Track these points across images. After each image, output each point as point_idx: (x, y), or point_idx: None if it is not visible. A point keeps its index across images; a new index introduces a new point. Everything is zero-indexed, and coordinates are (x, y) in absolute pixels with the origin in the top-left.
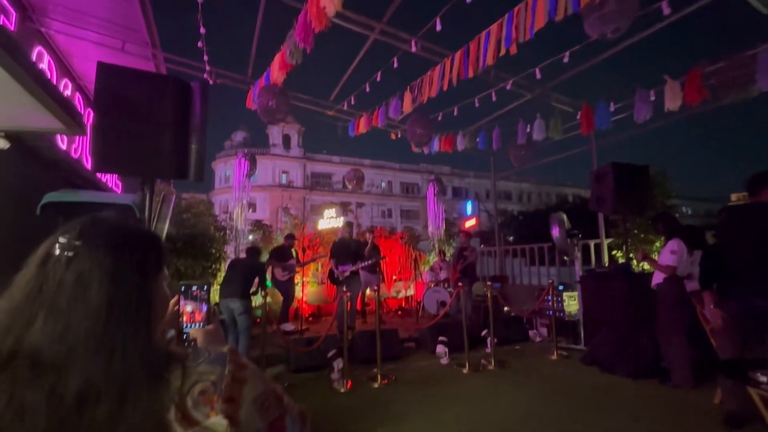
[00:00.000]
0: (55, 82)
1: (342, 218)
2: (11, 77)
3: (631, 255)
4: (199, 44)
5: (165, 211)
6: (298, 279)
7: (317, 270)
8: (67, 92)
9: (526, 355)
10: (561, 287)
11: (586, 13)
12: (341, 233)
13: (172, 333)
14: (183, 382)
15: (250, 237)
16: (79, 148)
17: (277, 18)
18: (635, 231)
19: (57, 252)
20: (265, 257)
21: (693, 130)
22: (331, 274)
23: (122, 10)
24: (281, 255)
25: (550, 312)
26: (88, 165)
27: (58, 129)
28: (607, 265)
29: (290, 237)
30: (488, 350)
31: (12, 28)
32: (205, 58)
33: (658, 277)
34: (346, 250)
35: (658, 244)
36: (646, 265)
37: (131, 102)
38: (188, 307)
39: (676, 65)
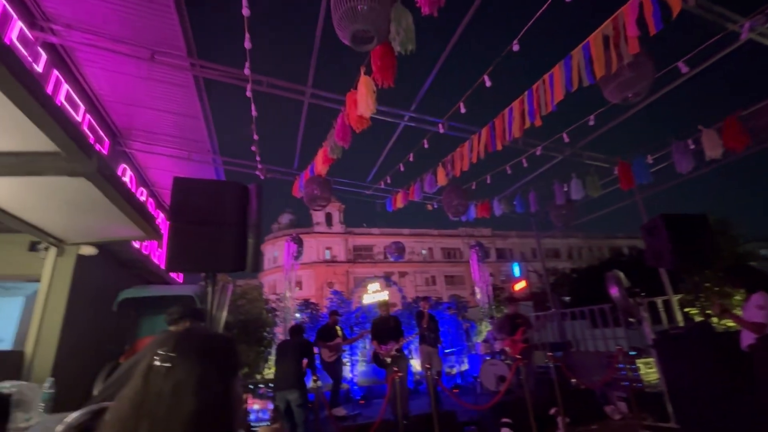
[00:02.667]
0: (134, 191)
1: (386, 291)
2: (109, 200)
3: (708, 311)
4: (253, 148)
5: (223, 300)
6: (346, 359)
7: (365, 348)
8: (143, 198)
9: None
10: (633, 352)
11: (604, 83)
12: (380, 311)
13: None
14: None
15: (297, 315)
16: (148, 246)
17: (317, 118)
18: (707, 284)
19: (157, 363)
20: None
21: (755, 167)
22: (375, 357)
23: (190, 127)
24: (327, 334)
25: (626, 383)
26: (156, 260)
27: (139, 236)
28: (682, 324)
29: (334, 314)
30: None
31: (105, 152)
32: (258, 158)
33: (748, 337)
34: (386, 328)
35: (738, 297)
36: (730, 322)
37: (200, 207)
38: (255, 406)
39: (710, 111)
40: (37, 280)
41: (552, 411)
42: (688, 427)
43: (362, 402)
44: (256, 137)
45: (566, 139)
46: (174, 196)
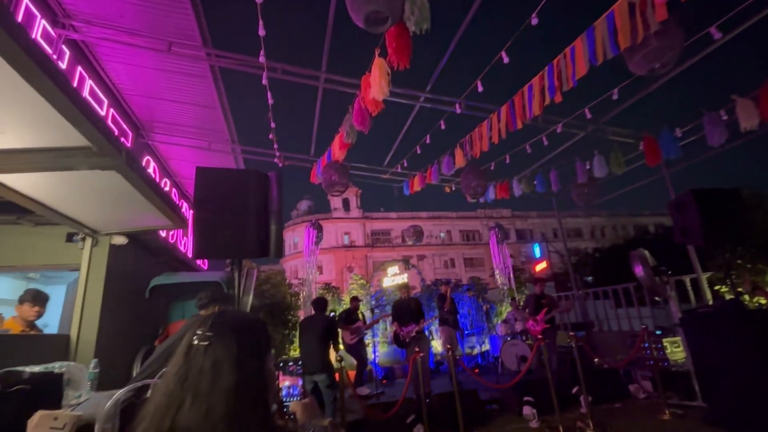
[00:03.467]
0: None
1: (405, 274)
2: (138, 192)
3: (739, 289)
4: (270, 136)
5: (249, 285)
6: (368, 340)
7: (386, 329)
8: (166, 189)
9: (631, 414)
10: (658, 332)
11: (629, 55)
12: (400, 294)
13: (274, 407)
14: None
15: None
16: (174, 234)
17: (332, 103)
18: (739, 261)
19: (196, 342)
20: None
21: None
22: (396, 338)
23: (208, 117)
24: (349, 318)
25: (651, 362)
26: (182, 248)
27: (166, 225)
28: (711, 302)
29: (355, 299)
30: (583, 410)
31: (129, 144)
32: (275, 146)
33: None
34: (407, 310)
35: None
36: (762, 299)
37: (223, 196)
38: (286, 382)
39: (744, 80)
40: (76, 269)
41: (574, 390)
42: (715, 406)
43: (385, 382)
44: (273, 125)
45: (588, 115)
46: (197, 186)
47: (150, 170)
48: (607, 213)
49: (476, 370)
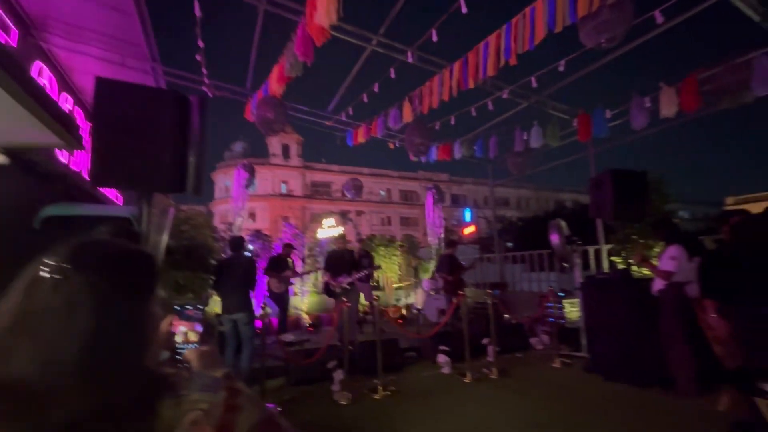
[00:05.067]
0: (55, 97)
1: (342, 228)
2: (9, 95)
3: (630, 260)
4: (198, 57)
5: (163, 223)
6: (297, 289)
7: (316, 279)
8: (68, 107)
9: (528, 363)
10: (561, 294)
11: (582, 24)
12: (336, 245)
13: (166, 355)
14: (174, 411)
15: (250, 247)
16: (79, 161)
17: (274, 30)
18: (634, 236)
19: (44, 275)
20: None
21: (689, 134)
22: (326, 287)
23: (122, 25)
24: (278, 265)
25: (552, 319)
26: (89, 178)
27: (56, 144)
28: (607, 271)
29: (288, 246)
30: (490, 359)
31: (13, 44)
32: (204, 71)
33: (659, 283)
34: (341, 261)
35: (657, 249)
36: (647, 271)
37: (130, 116)
38: (182, 328)
39: (672, 71)
40: None
41: (485, 341)
42: (594, 357)
43: (311, 329)
44: (201, 44)
45: (534, 84)
46: (96, 98)
47: (45, 81)
48: (534, 187)
49: (399, 321)
